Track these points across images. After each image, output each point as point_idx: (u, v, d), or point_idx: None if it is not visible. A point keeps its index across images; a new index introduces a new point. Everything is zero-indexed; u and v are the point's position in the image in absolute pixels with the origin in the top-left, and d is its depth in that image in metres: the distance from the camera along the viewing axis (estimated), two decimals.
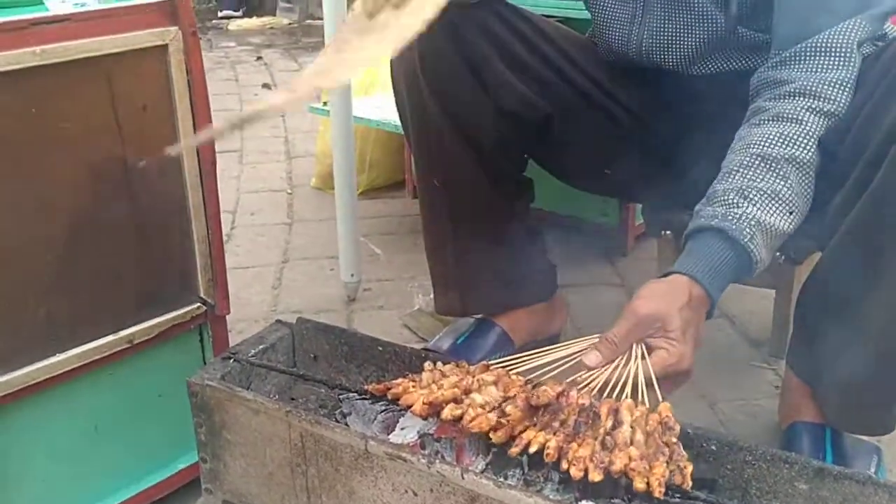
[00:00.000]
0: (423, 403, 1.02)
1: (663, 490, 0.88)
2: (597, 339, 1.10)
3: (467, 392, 1.02)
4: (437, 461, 0.96)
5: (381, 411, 1.12)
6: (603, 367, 1.06)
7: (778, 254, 1.57)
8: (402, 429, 1.09)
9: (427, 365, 1.09)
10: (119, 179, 1.13)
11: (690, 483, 0.90)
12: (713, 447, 1.00)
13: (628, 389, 1.01)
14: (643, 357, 1.05)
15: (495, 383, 1.03)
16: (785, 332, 1.59)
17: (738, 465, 0.99)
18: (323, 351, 1.25)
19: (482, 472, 0.98)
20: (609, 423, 0.96)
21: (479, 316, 1.69)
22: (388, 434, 1.10)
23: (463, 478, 0.93)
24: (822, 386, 1.30)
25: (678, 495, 0.92)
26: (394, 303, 1.95)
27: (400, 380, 1.06)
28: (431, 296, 1.67)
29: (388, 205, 2.51)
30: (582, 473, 0.90)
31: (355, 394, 1.13)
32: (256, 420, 1.07)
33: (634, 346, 1.07)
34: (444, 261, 1.62)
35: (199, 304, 1.24)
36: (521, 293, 1.65)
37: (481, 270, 1.60)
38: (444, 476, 0.94)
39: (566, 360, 1.07)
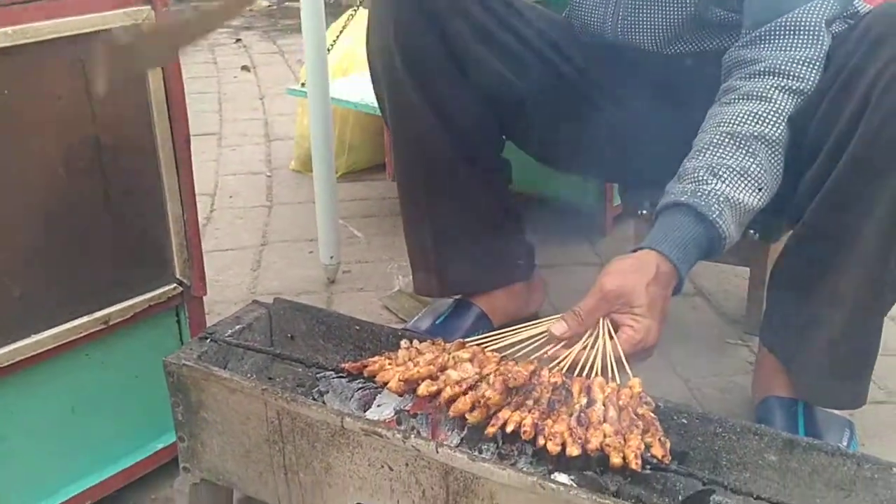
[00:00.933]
0: (399, 380, 1.03)
1: (640, 462, 0.89)
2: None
3: (443, 369, 1.03)
4: (413, 436, 0.96)
5: (358, 389, 1.13)
6: (569, 339, 1.08)
7: (752, 231, 1.59)
8: (378, 406, 1.10)
9: (403, 343, 1.10)
10: (92, 160, 1.13)
11: (670, 457, 0.91)
12: (684, 420, 1.02)
13: (598, 367, 1.03)
14: (610, 336, 1.06)
15: (471, 360, 1.04)
16: (759, 310, 1.61)
17: (709, 437, 1.01)
18: (300, 331, 1.26)
19: (457, 446, 0.99)
20: (583, 401, 0.97)
21: (457, 296, 1.70)
22: (365, 411, 1.10)
23: (437, 452, 0.94)
24: (795, 361, 1.32)
25: (649, 466, 0.94)
26: (373, 284, 1.95)
27: (376, 357, 1.07)
28: (411, 277, 1.67)
29: (367, 187, 2.50)
30: (559, 448, 0.92)
31: (332, 372, 1.13)
32: (233, 399, 1.07)
33: (602, 322, 1.08)
34: (422, 242, 1.63)
35: (175, 284, 1.25)
36: (500, 273, 1.66)
37: (459, 251, 1.61)
38: (419, 451, 0.95)
39: (540, 336, 1.09)
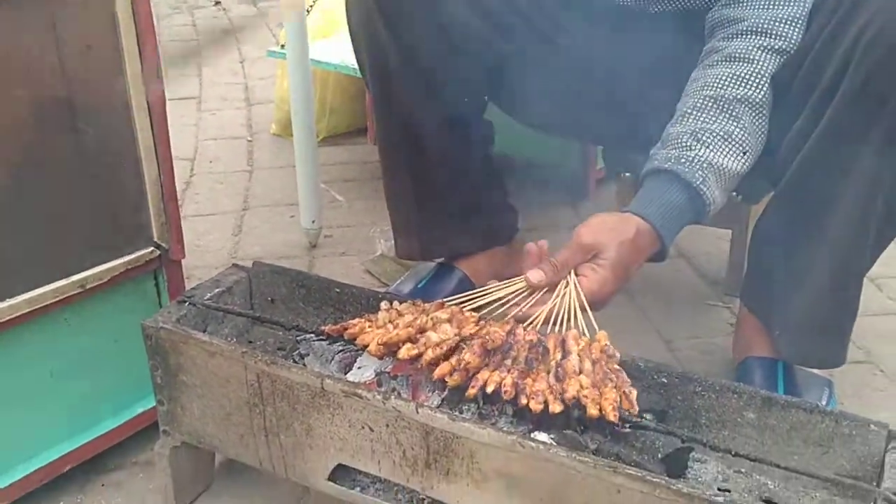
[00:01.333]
0: (378, 343, 1.02)
1: (617, 414, 0.89)
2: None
3: (422, 331, 1.02)
4: (393, 397, 0.96)
5: (339, 352, 1.13)
6: (544, 287, 1.08)
7: (735, 194, 1.59)
8: (358, 368, 1.10)
9: (383, 305, 1.09)
10: (64, 120, 1.11)
11: (637, 407, 0.92)
12: (664, 380, 1.02)
13: (565, 319, 1.03)
14: (575, 287, 1.07)
15: (449, 321, 1.04)
16: (740, 272, 1.61)
17: (688, 395, 1.01)
18: (280, 294, 1.25)
19: (437, 407, 0.99)
20: (559, 356, 0.97)
21: (440, 260, 1.69)
22: (346, 373, 1.10)
23: (417, 412, 0.94)
24: (775, 321, 1.32)
25: (629, 424, 0.94)
26: (355, 249, 1.94)
27: (356, 320, 1.06)
28: (393, 241, 1.66)
29: (349, 151, 2.48)
30: (542, 406, 0.92)
31: (312, 335, 1.13)
32: (212, 362, 1.07)
33: (570, 274, 1.09)
34: (403, 205, 1.62)
35: (152, 248, 1.23)
36: (482, 237, 1.65)
37: (441, 214, 1.60)
38: (400, 411, 0.95)
39: (517, 293, 1.09)
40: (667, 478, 0.83)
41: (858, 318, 1.31)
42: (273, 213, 2.11)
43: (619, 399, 0.91)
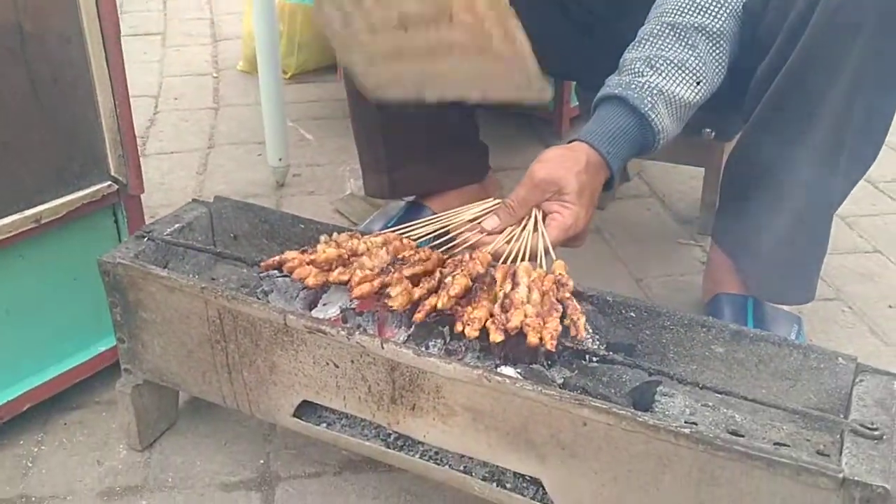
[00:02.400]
0: (306, 265, 1.00)
1: (555, 343, 0.88)
2: (492, 203, 1.10)
3: (355, 254, 1.00)
4: (357, 333, 0.94)
5: (303, 288, 1.10)
6: (501, 231, 1.06)
7: (708, 131, 1.58)
8: (324, 304, 1.07)
9: (323, 237, 1.06)
10: (15, 48, 1.06)
11: (584, 333, 0.91)
12: (632, 314, 1.01)
13: (526, 255, 1.02)
14: (537, 227, 1.05)
15: (384, 246, 1.02)
16: (713, 210, 1.60)
17: (657, 330, 1.00)
18: (243, 230, 1.22)
19: (403, 342, 0.98)
20: (507, 287, 0.96)
21: (410, 199, 1.66)
22: (311, 310, 1.08)
23: (383, 348, 0.93)
24: (745, 257, 1.32)
25: (596, 359, 0.93)
26: (325, 188, 1.91)
27: (293, 253, 1.03)
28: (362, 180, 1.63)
29: (319, 88, 2.43)
30: (477, 333, 0.90)
31: (276, 271, 1.10)
32: (172, 298, 1.04)
33: (535, 212, 1.07)
34: (372, 142, 1.58)
35: (110, 182, 1.19)
36: (453, 175, 1.63)
37: (411, 151, 1.57)
38: (364, 347, 0.94)
39: (465, 225, 1.08)
40: (633, 410, 0.82)
41: (829, 256, 1.30)
42: (240, 151, 2.06)
43: (559, 329, 0.89)
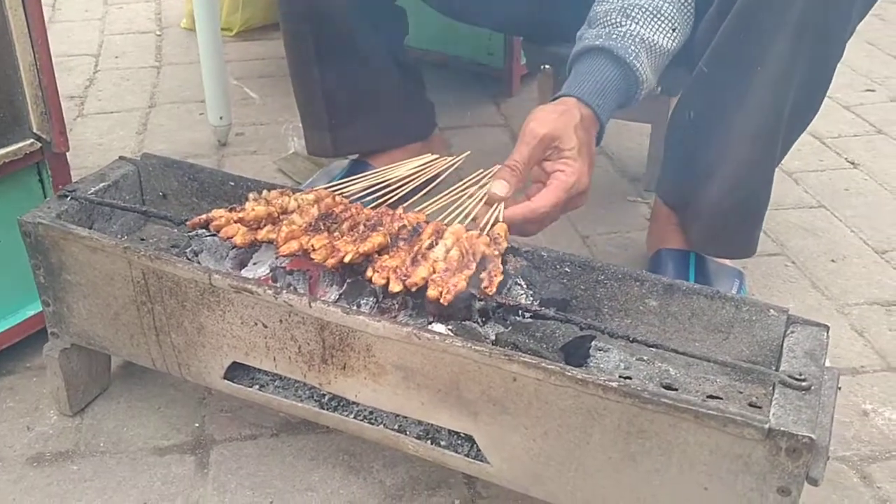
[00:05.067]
0: (238, 225, 0.97)
1: (450, 297, 0.86)
2: (431, 159, 1.08)
3: (286, 212, 0.98)
4: (285, 292, 0.92)
5: (233, 248, 1.07)
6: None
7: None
8: (254, 264, 1.04)
9: (252, 195, 1.03)
10: None
11: (494, 290, 0.89)
12: (567, 269, 0.99)
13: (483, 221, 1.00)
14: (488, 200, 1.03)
15: (316, 203, 0.99)
16: (659, 167, 1.59)
17: (591, 284, 0.99)
18: (172, 188, 1.18)
19: (334, 301, 0.95)
20: (428, 242, 0.94)
21: (353, 157, 1.63)
22: (241, 270, 1.05)
23: (311, 307, 0.90)
24: (688, 211, 1.31)
25: (529, 314, 0.92)
26: (268, 147, 1.86)
27: (220, 210, 1.00)
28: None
29: (264, 46, 2.37)
30: (384, 281, 0.89)
31: (204, 230, 1.07)
32: (95, 258, 1.00)
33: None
34: (312, 99, 1.55)
35: (32, 140, 1.14)
36: (397, 132, 1.60)
37: (352, 108, 1.53)
38: (292, 306, 0.91)
39: (416, 174, 1.06)
40: (561, 364, 0.81)
41: (773, 211, 1.30)
42: (181, 110, 2.01)
43: (462, 284, 0.87)
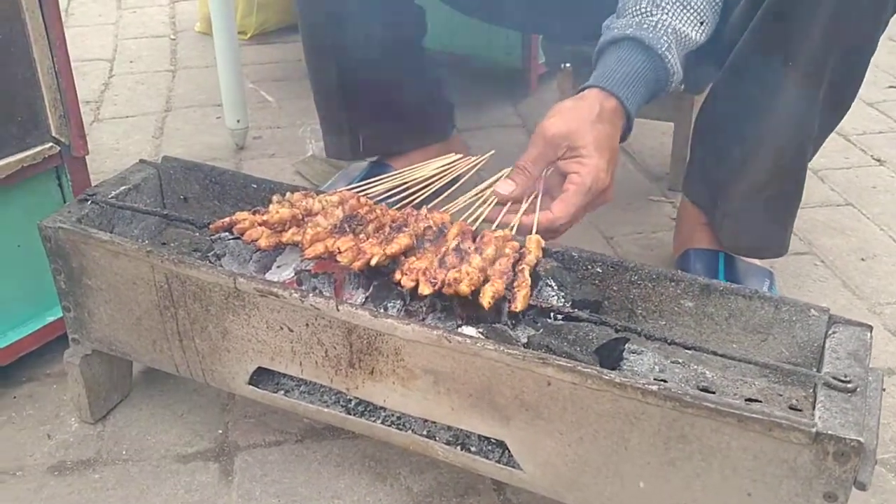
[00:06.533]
0: (262, 228, 0.96)
1: (492, 302, 0.85)
2: (455, 158, 1.06)
3: (310, 214, 0.96)
4: (311, 295, 0.90)
5: (256, 251, 1.05)
6: (518, 196, 1.02)
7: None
8: (278, 267, 1.03)
9: (275, 197, 1.01)
10: None
11: (520, 306, 0.87)
12: (598, 269, 0.97)
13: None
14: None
15: (340, 205, 0.97)
16: (683, 165, 1.56)
17: (624, 285, 0.97)
18: (193, 191, 1.16)
19: (361, 304, 0.93)
20: (453, 243, 0.92)
21: (372, 159, 1.61)
22: (265, 273, 1.03)
23: (338, 310, 0.88)
24: (717, 210, 1.28)
25: (561, 316, 0.90)
26: (285, 150, 1.85)
27: (244, 213, 0.98)
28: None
29: (280, 49, 2.35)
30: (413, 283, 0.87)
31: (227, 233, 1.05)
32: (117, 263, 0.99)
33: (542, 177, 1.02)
34: (331, 101, 1.53)
35: (51, 144, 1.13)
36: (416, 133, 1.58)
37: (372, 110, 1.51)
38: (319, 309, 0.89)
39: (429, 180, 1.04)
40: (598, 368, 0.78)
41: (800, 209, 1.27)
42: (198, 114, 1.99)
43: (503, 292, 0.86)
